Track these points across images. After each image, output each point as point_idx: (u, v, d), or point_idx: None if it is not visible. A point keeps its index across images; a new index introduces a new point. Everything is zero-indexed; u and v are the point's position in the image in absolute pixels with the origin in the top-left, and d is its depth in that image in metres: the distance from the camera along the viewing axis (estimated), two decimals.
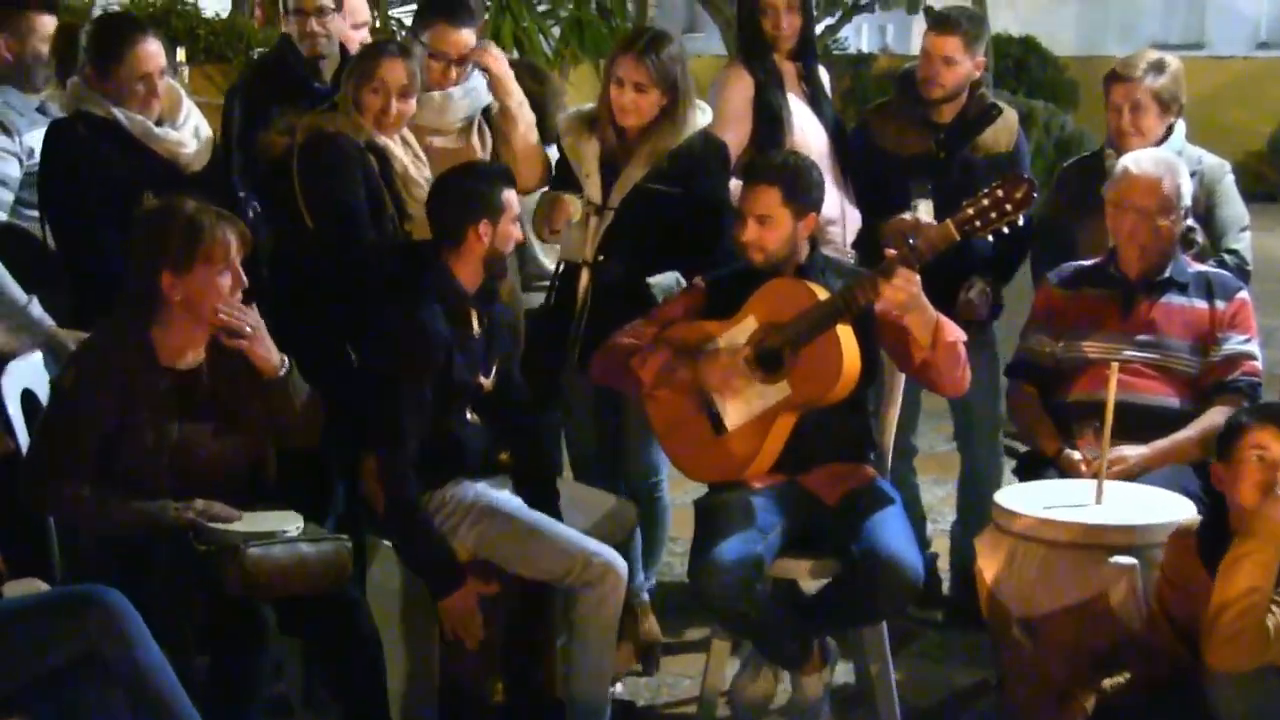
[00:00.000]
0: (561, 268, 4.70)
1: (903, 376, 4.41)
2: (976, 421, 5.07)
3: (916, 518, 5.04)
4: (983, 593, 3.93)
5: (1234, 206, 4.84)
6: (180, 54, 7.01)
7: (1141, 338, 4.38)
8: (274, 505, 3.82)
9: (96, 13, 9.30)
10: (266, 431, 3.86)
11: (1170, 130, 4.83)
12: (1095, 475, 3.98)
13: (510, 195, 4.15)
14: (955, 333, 4.06)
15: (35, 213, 4.49)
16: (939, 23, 4.93)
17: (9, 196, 4.55)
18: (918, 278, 3.97)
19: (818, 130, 5.03)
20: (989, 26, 5.11)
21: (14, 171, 4.56)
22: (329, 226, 4.30)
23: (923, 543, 4.92)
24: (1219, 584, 3.39)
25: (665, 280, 4.47)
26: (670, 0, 12.97)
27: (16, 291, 4.24)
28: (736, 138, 4.86)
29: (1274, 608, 3.36)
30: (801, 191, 4.16)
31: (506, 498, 4.16)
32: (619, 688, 4.48)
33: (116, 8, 9.89)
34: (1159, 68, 4.80)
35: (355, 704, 3.79)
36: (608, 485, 4.59)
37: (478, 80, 4.76)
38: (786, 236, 4.16)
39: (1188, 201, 4.47)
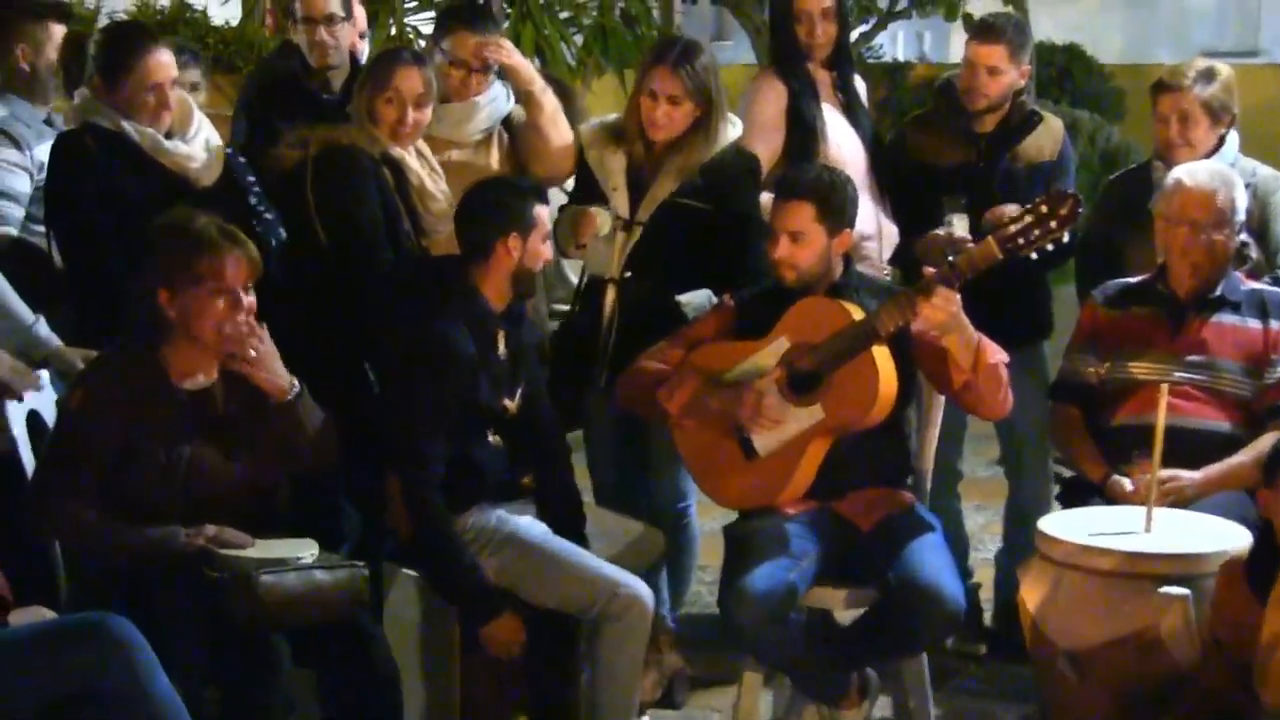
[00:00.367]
0: (585, 283, 4.73)
1: (943, 397, 4.42)
2: (1025, 445, 5.06)
3: (959, 545, 5.04)
4: (1026, 624, 3.93)
5: None
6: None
7: (1191, 358, 4.37)
8: (287, 531, 3.84)
9: (103, 21, 9.37)
10: (280, 455, 3.89)
11: (1222, 141, 4.82)
12: (1144, 501, 3.98)
13: (542, 211, 4.17)
14: (997, 354, 4.07)
15: (43, 227, 4.53)
16: (982, 31, 4.92)
17: (19, 212, 4.58)
18: (957, 297, 3.97)
19: (854, 142, 5.04)
20: (1032, 33, 5.11)
21: (24, 186, 4.59)
22: (344, 243, 4.33)
23: (964, 572, 4.92)
24: (1270, 616, 3.38)
25: (696, 298, 4.49)
26: (697, 7, 12.98)
27: (23, 310, 4.28)
28: (768, 150, 4.87)
29: None
30: (836, 207, 4.17)
31: (529, 524, 4.17)
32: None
33: (123, 16, 9.95)
34: (1209, 76, 4.80)
35: None
36: (632, 511, 4.60)
37: (498, 89, 4.79)
38: (820, 254, 4.17)
39: (1242, 216, 4.47)
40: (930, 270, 4.01)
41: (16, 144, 4.59)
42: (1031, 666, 4.12)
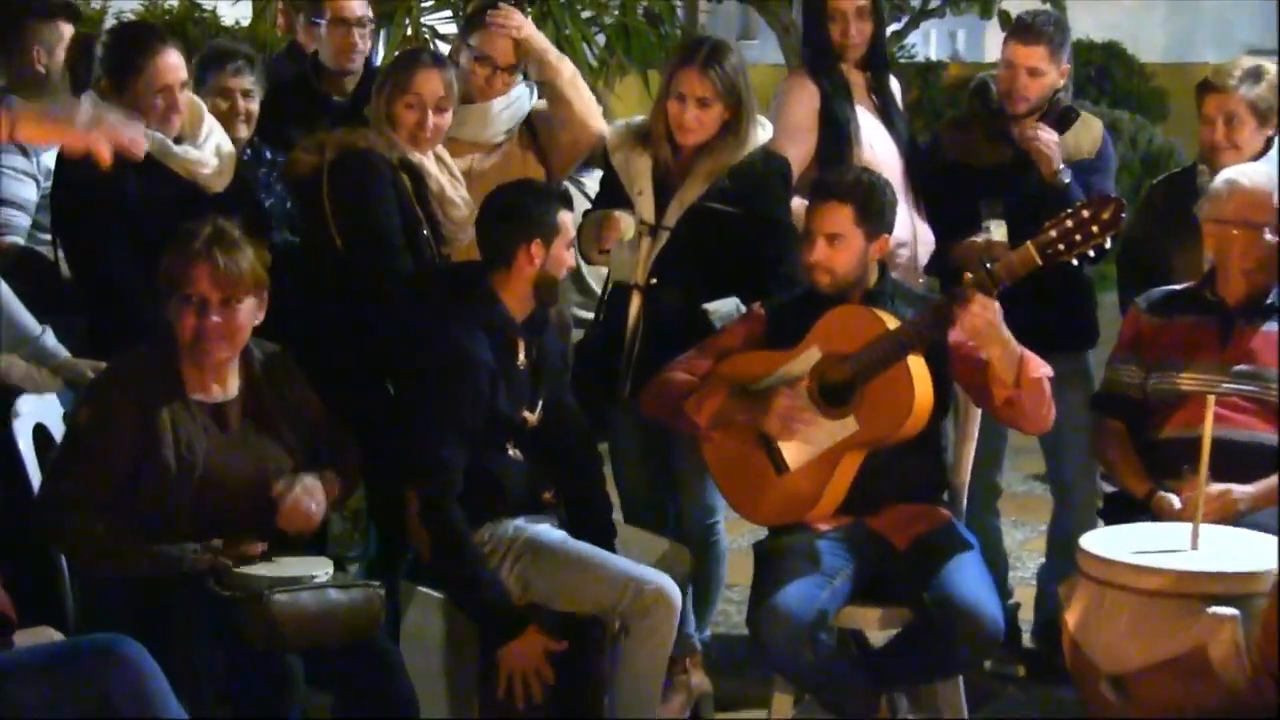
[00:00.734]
0: (609, 290, 4.73)
1: (979, 409, 4.41)
2: (1070, 460, 5.02)
3: (998, 564, 5.02)
4: (1067, 645, 3.91)
5: None
6: None
7: (1241, 369, 4.34)
8: (301, 548, 3.85)
9: (110, 22, 9.40)
10: (299, 471, 3.89)
11: (1269, 144, 4.81)
12: (1191, 518, 3.96)
13: (566, 218, 4.17)
14: (1040, 368, 4.05)
15: (50, 236, 4.54)
16: (1022, 31, 4.90)
17: (25, 221, 4.60)
18: (996, 305, 3.97)
19: (888, 146, 5.03)
20: (1070, 31, 5.10)
21: (30, 194, 4.61)
22: (362, 251, 4.33)
23: (1003, 591, 4.90)
24: None
25: (724, 307, 4.48)
26: (722, 5, 12.97)
27: (29, 321, 4.29)
28: (799, 153, 4.86)
29: None
30: (875, 211, 4.17)
31: (547, 530, 4.18)
32: None
33: (130, 16, 9.98)
34: (1255, 76, 4.79)
35: None
36: (658, 527, 4.60)
37: (521, 89, 4.79)
38: (857, 258, 4.17)
39: None
40: (969, 276, 4.01)
41: (24, 150, 4.61)
42: (1073, 690, 4.10)
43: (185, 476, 3.73)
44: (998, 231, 4.76)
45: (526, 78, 4.85)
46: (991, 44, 16.55)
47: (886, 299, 4.23)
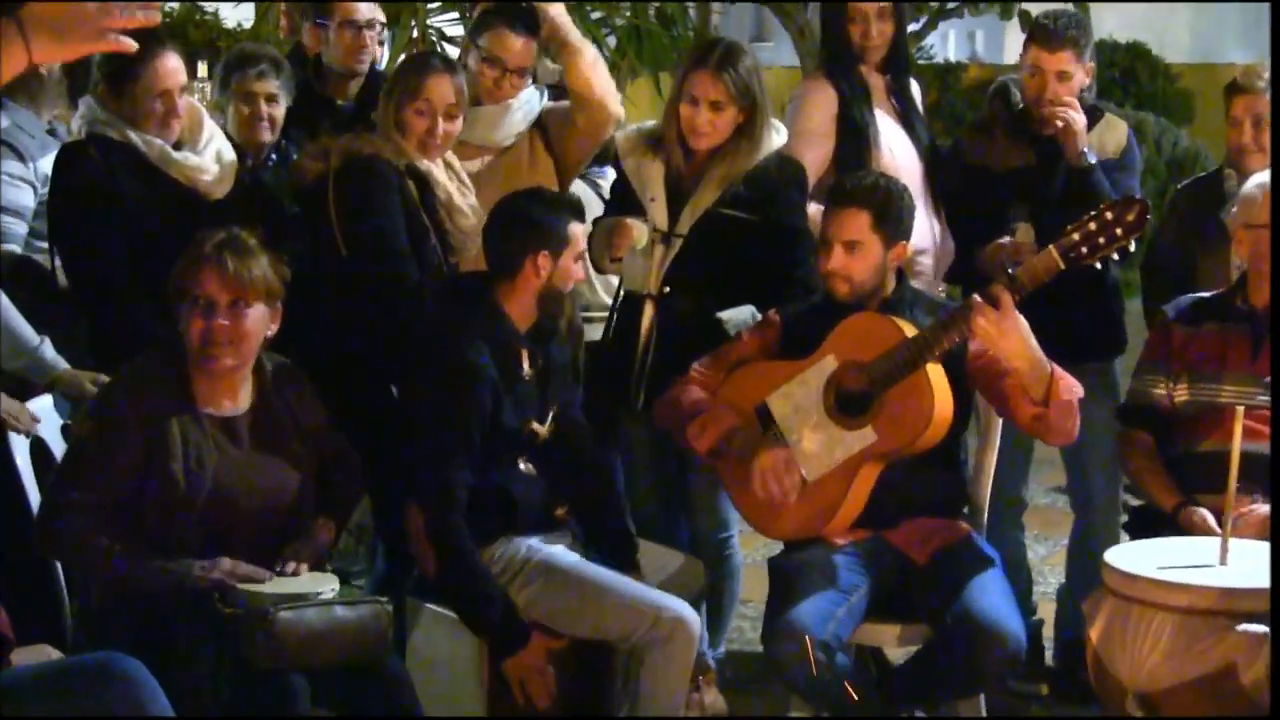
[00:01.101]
0: (621, 299, 4.72)
1: (1001, 420, 4.40)
2: (1094, 473, 5.01)
3: (1022, 579, 5.02)
4: (1091, 663, 3.90)
5: None
6: (201, 69, 7.06)
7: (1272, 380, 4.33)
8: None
9: None
10: (307, 488, 3.90)
11: None
12: (1219, 532, 3.94)
13: (576, 230, 4.17)
14: (1073, 389, 4.03)
15: (47, 244, 4.55)
16: (1047, 36, 4.88)
17: (22, 228, 4.60)
18: (1021, 318, 3.96)
19: (909, 150, 5.02)
20: (1092, 29, 5.10)
21: (28, 201, 4.62)
22: (368, 259, 4.33)
23: (1026, 607, 4.89)
24: None
25: (739, 315, 4.48)
26: (735, 6, 12.99)
27: (27, 332, 4.30)
28: (815, 159, 4.85)
29: None
30: (893, 217, 4.18)
31: (562, 552, 4.17)
32: None
33: None
34: None
35: None
36: (672, 540, 4.60)
37: (531, 91, 4.80)
38: (875, 265, 4.17)
39: None
40: (999, 286, 4.00)
41: (20, 156, 4.62)
42: (1097, 708, 4.09)
43: (193, 491, 3.73)
44: (1025, 233, 4.76)
45: (535, 80, 4.85)
46: (1011, 45, 16.55)
47: (905, 307, 4.23)
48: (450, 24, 8.66)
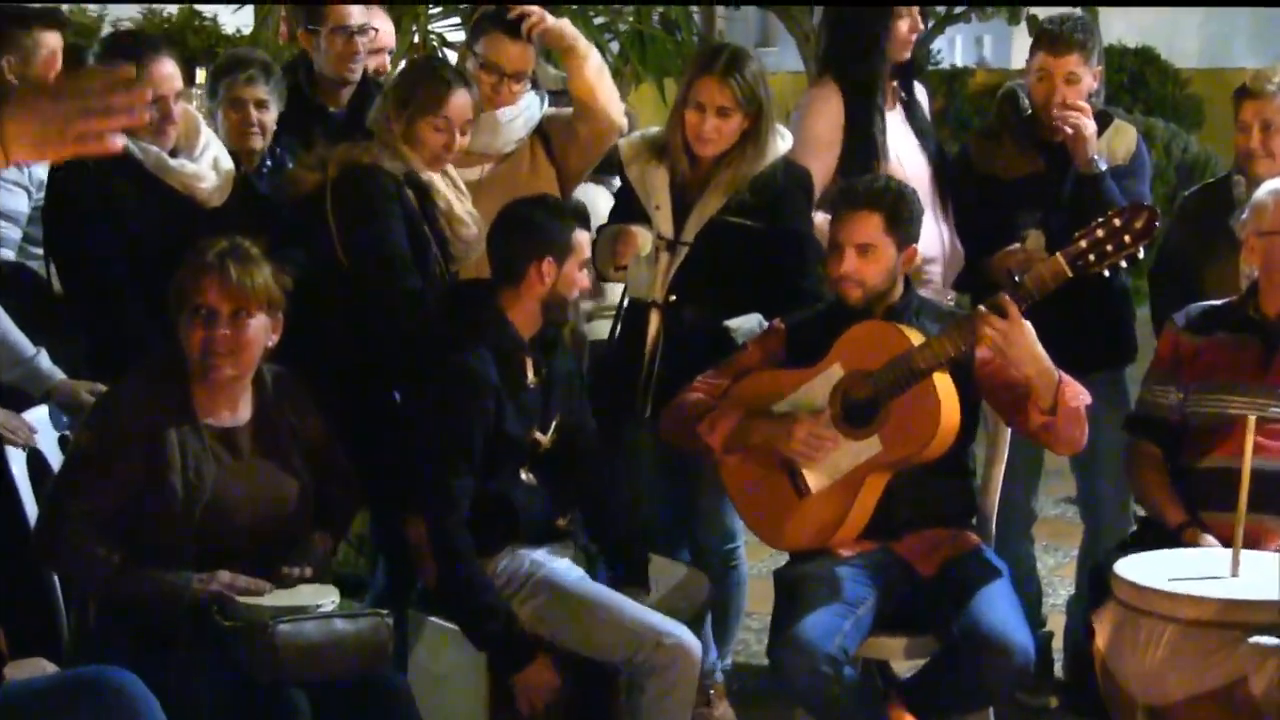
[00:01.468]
0: (626, 307, 4.72)
1: (1009, 430, 4.39)
2: (1104, 483, 5.02)
3: (1032, 591, 5.01)
4: (1101, 676, 3.89)
5: None
6: (200, 75, 7.05)
7: None
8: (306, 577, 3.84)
9: (106, 30, 9.43)
10: (307, 500, 3.89)
11: None
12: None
13: (581, 237, 4.16)
14: (1080, 396, 4.03)
15: (41, 250, 4.55)
16: (1055, 41, 4.88)
17: (16, 234, 4.61)
18: (1029, 325, 3.95)
19: (917, 156, 5.00)
20: (1100, 33, 5.09)
21: (21, 206, 4.62)
22: (369, 270, 4.31)
23: (1035, 619, 4.88)
24: None
25: (746, 323, 4.48)
26: (740, 12, 13.00)
27: (23, 342, 4.29)
28: (823, 167, 4.83)
29: None
30: (904, 219, 4.18)
31: (566, 568, 4.16)
32: None
33: (128, 24, 10.01)
34: None
35: None
36: (678, 553, 4.59)
37: (530, 97, 4.79)
38: (888, 269, 4.17)
39: None
40: (1006, 299, 3.98)
41: None
42: None
43: (192, 503, 3.72)
44: (1035, 241, 4.75)
45: (535, 86, 4.85)
46: (1019, 50, 16.54)
47: (911, 314, 4.23)
48: (452, 29, 8.65)
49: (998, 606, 3.99)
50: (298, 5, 5.53)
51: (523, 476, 4.18)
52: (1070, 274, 3.99)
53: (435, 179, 4.45)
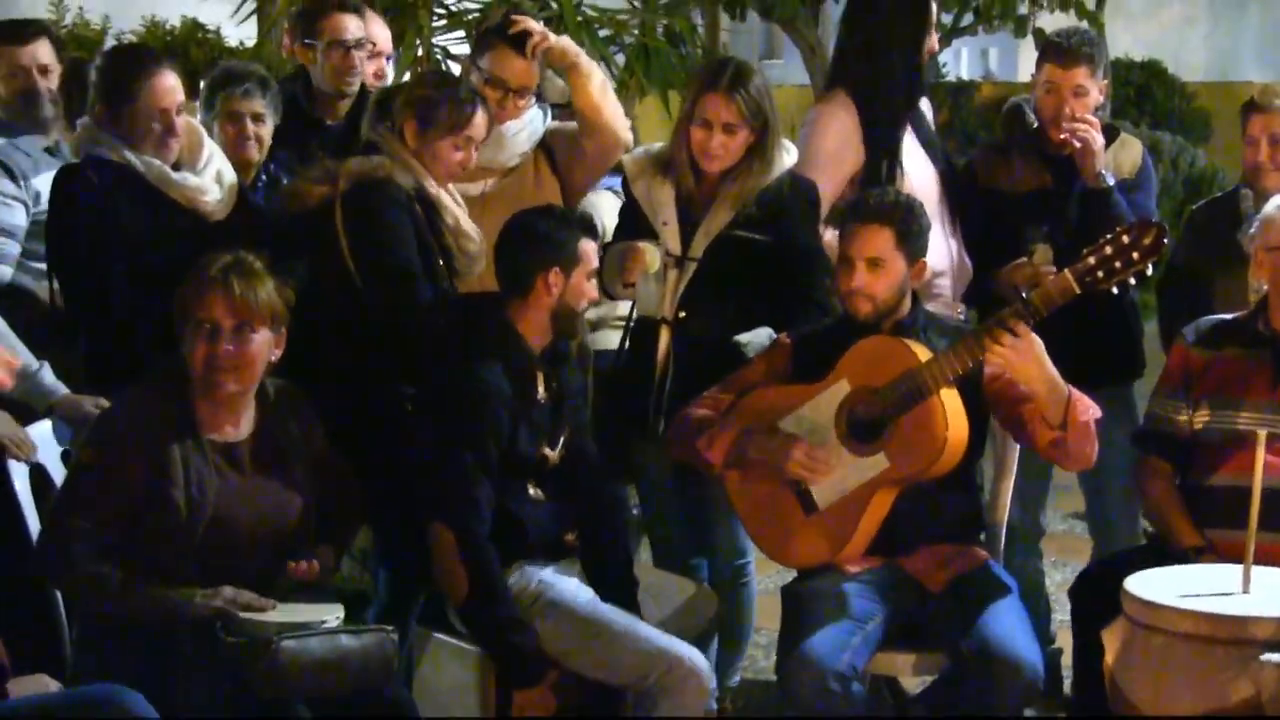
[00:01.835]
0: (635, 324, 4.71)
1: (1018, 446, 4.39)
2: (1112, 498, 5.01)
3: (1039, 608, 5.00)
4: (1111, 693, 3.89)
5: None
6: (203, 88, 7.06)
7: None
8: (310, 593, 3.84)
9: (109, 43, 9.45)
10: (309, 515, 3.89)
11: None
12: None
13: (588, 247, 4.16)
14: (1089, 410, 4.02)
15: (42, 265, 4.54)
16: (1061, 52, 4.88)
17: (15, 249, 4.61)
18: (1037, 339, 3.95)
19: (926, 170, 4.97)
20: (1106, 47, 5.09)
21: (19, 220, 4.61)
22: (382, 285, 4.29)
23: (1044, 636, 4.87)
24: None
25: (757, 338, 4.47)
26: (745, 24, 13.00)
27: (26, 357, 4.29)
28: (832, 182, 4.79)
29: None
30: (914, 233, 4.18)
31: (575, 589, 4.15)
32: None
33: (131, 38, 10.03)
34: None
35: None
36: (688, 569, 4.59)
37: (534, 111, 4.79)
38: (898, 283, 4.17)
39: None
40: (1011, 311, 3.98)
41: (10, 174, 4.62)
42: None
43: (194, 518, 3.72)
44: (1043, 255, 4.75)
45: (540, 99, 4.85)
46: (1025, 63, 16.57)
47: (919, 330, 4.23)
48: (455, 42, 8.67)
49: (1006, 623, 3.99)
50: (297, 19, 5.54)
51: (531, 492, 4.18)
52: (1079, 291, 3.99)
53: (443, 194, 4.45)
